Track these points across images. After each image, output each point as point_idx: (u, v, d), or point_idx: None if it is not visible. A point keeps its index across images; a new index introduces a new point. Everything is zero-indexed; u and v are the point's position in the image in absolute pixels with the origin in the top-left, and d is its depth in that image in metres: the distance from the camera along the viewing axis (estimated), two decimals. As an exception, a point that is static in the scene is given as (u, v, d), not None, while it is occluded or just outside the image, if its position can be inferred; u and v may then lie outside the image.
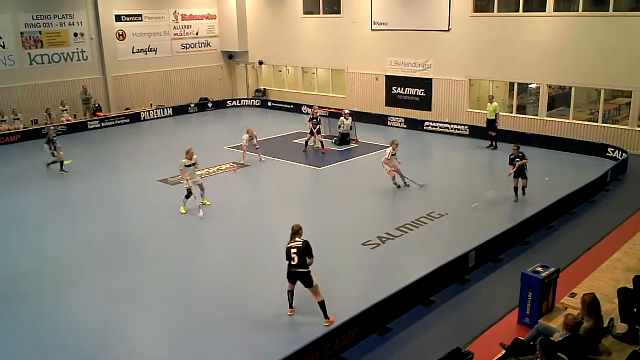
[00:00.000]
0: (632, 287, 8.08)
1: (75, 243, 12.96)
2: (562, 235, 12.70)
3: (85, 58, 26.91)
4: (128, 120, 27.05)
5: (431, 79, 24.12)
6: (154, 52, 29.15)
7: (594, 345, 7.25)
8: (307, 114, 21.53)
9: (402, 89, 25.25)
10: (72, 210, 15.50)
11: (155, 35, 29.04)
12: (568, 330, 6.95)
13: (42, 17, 25.37)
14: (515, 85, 22.18)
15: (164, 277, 11.26)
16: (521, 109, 22.37)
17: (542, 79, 21.06)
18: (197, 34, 30.67)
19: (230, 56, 32.06)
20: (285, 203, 15.79)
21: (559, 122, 20.87)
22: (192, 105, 29.50)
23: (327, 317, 9.07)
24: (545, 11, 20.40)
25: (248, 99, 31.31)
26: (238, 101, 31.14)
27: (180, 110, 28.85)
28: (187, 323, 9.57)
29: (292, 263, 9.04)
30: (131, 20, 28.11)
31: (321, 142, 20.68)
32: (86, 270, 11.59)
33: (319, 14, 27.92)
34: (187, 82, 30.07)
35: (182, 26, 30.01)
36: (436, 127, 23.25)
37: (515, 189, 14.62)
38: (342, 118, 21.37)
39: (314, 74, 29.26)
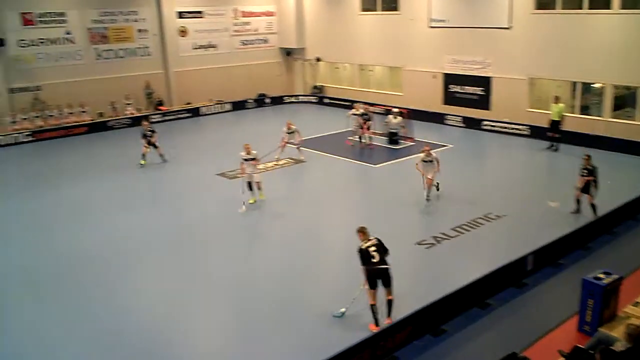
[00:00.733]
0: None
1: (141, 230, 13.77)
2: (625, 241, 12.30)
3: (148, 53, 27.82)
4: (190, 115, 27.86)
5: (490, 77, 23.69)
6: (214, 48, 29.81)
7: (657, 357, 7.05)
8: (352, 108, 21.62)
9: (460, 87, 24.93)
10: (141, 199, 16.53)
11: (215, 32, 29.68)
12: (631, 340, 6.78)
13: (108, 14, 26.38)
14: (578, 84, 21.51)
15: (221, 268, 11.64)
16: (584, 109, 21.66)
17: (607, 79, 20.30)
18: (255, 30, 31.18)
19: (288, 52, 32.39)
20: (339, 200, 15.96)
21: (624, 123, 20.11)
22: (250, 101, 30.03)
23: (389, 315, 9.06)
24: (610, 8, 19.68)
25: (305, 95, 31.65)
26: (295, 97, 31.53)
27: (239, 106, 29.51)
28: (243, 314, 9.85)
29: (374, 261, 8.94)
30: (192, 17, 28.85)
31: (370, 137, 20.70)
32: (148, 259, 12.21)
33: (376, 10, 27.87)
34: (245, 77, 30.54)
35: (242, 22, 30.55)
36: (495, 126, 22.81)
37: (578, 201, 13.60)
38: (389, 116, 21.32)
39: (371, 71, 29.22)
